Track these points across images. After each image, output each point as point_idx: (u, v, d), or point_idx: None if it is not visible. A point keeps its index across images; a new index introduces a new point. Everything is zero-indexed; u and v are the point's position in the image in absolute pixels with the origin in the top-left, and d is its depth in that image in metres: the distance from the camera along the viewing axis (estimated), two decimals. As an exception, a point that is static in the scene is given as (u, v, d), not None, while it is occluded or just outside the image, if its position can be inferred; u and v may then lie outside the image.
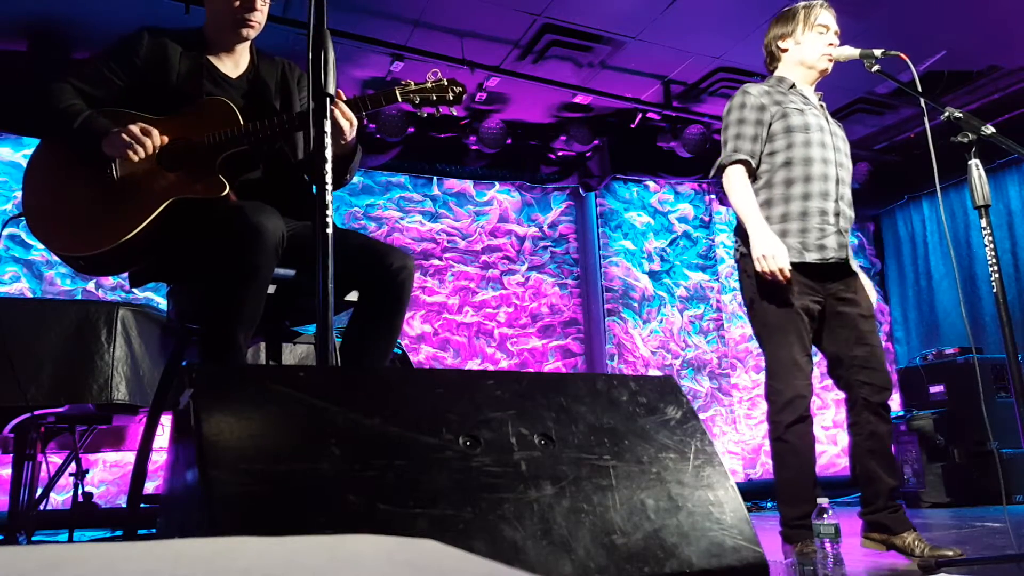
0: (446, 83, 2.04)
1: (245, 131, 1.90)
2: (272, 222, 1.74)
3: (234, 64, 2.10)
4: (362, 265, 1.94)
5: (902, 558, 2.35)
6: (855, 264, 2.52)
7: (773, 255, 2.31)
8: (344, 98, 1.91)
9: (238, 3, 1.99)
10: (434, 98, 2.02)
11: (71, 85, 1.94)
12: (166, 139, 1.88)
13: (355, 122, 1.92)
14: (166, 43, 2.00)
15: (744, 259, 2.47)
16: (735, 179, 2.46)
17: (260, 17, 2.04)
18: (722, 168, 2.51)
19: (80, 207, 1.84)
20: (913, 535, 2.32)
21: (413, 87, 2.01)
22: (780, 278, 2.32)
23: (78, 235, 1.82)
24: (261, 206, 1.81)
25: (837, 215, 2.45)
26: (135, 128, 1.82)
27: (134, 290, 4.96)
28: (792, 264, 2.37)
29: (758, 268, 2.34)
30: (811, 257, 2.40)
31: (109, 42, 2.05)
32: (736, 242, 2.55)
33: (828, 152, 2.47)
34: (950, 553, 2.21)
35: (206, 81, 2.02)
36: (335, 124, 1.87)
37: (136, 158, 1.82)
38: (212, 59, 2.06)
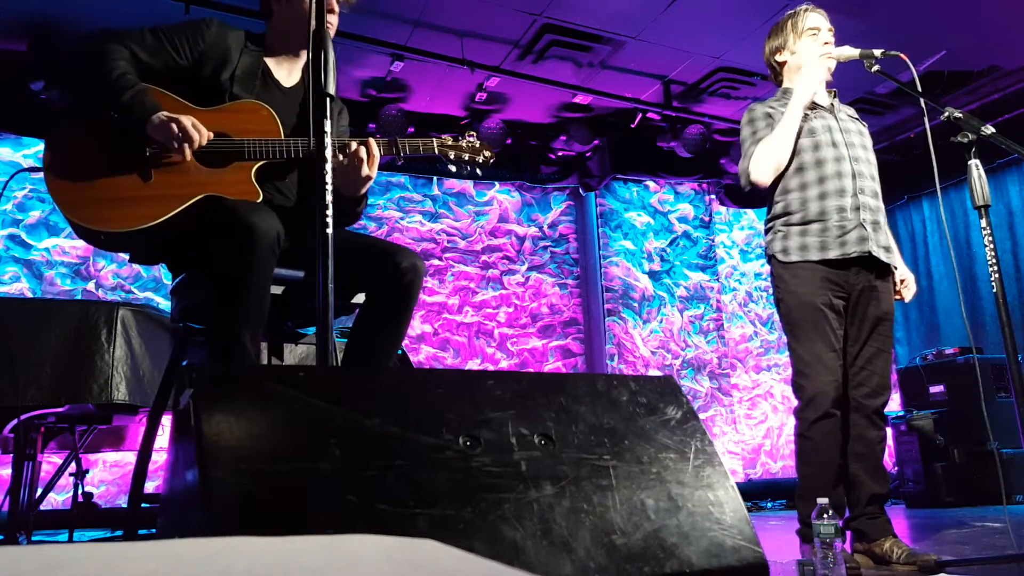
0: (479, 146, 2.14)
1: (283, 144, 1.90)
2: (265, 221, 1.73)
3: (288, 72, 2.09)
4: (371, 264, 1.94)
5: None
6: (885, 255, 2.45)
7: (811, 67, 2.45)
8: (379, 144, 1.94)
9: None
10: (466, 158, 2.13)
11: (130, 51, 1.87)
12: (211, 135, 1.85)
13: (372, 175, 1.94)
14: (230, 38, 1.98)
15: (773, 261, 2.51)
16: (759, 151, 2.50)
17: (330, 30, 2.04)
18: (748, 161, 2.52)
19: (109, 183, 1.82)
20: (891, 541, 2.28)
21: (450, 143, 2.11)
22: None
23: (105, 211, 1.80)
24: (256, 205, 1.81)
25: (857, 209, 2.43)
26: (187, 122, 1.79)
27: (134, 289, 4.96)
28: (816, 260, 2.39)
29: (821, 57, 2.49)
30: (832, 253, 2.41)
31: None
32: (766, 238, 2.57)
33: (840, 150, 2.48)
34: (930, 558, 2.18)
35: (258, 84, 2.00)
36: (357, 166, 1.91)
37: (179, 152, 1.81)
38: (269, 63, 2.05)
